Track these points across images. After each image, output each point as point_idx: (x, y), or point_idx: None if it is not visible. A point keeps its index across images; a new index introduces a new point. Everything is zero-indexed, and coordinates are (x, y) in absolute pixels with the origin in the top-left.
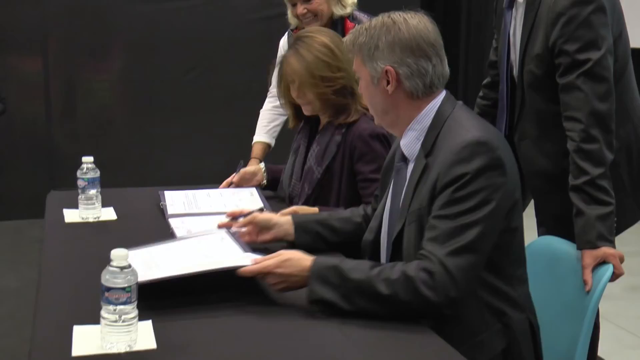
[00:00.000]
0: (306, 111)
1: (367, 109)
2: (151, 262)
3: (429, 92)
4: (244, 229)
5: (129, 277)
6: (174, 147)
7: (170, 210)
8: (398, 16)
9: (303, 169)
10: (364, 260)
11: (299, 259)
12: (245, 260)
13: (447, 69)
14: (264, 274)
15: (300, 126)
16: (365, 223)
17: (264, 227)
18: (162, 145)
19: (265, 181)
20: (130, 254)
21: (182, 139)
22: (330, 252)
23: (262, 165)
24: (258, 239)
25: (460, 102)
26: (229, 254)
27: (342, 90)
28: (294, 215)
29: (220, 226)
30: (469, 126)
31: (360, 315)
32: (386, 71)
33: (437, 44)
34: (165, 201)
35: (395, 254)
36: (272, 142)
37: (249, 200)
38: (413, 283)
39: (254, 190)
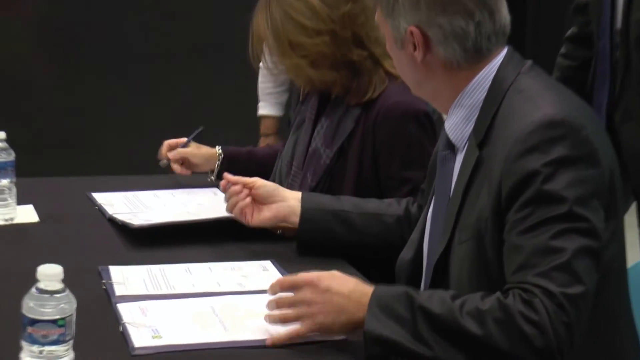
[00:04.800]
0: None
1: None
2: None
3: (475, 58)
4: (242, 195)
5: (62, 304)
6: (113, 119)
7: (110, 210)
8: None
9: (307, 152)
10: (438, 290)
11: (353, 280)
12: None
13: (504, 20)
14: (296, 287)
15: (306, 93)
16: (404, 225)
17: (267, 198)
18: (97, 117)
19: (213, 175)
20: None
21: (125, 107)
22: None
23: (219, 151)
24: (253, 220)
25: (529, 62)
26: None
27: (324, 61)
28: (306, 196)
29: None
30: (539, 99)
31: None
32: (410, 32)
33: None
34: (98, 202)
35: (438, 280)
36: (281, 113)
37: (212, 202)
38: (511, 318)
39: (216, 190)
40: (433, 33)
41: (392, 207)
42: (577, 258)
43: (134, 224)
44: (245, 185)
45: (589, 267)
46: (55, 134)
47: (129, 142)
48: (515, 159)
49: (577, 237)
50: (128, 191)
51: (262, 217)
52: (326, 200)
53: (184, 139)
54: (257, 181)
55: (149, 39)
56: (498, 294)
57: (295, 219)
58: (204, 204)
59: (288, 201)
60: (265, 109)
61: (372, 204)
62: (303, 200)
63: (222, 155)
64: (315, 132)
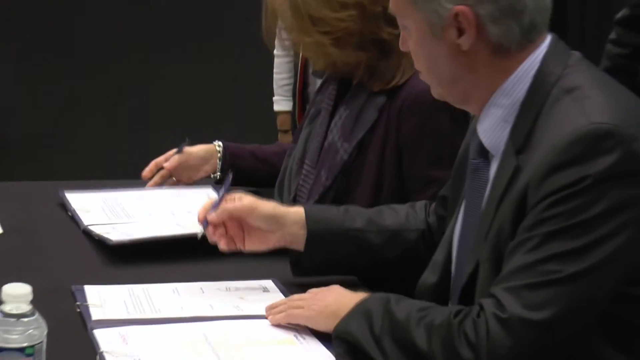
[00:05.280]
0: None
1: None
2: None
3: (525, 42)
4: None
5: (30, 330)
6: (87, 118)
7: (86, 219)
8: None
9: (322, 146)
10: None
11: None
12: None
13: None
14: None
15: (323, 80)
16: (427, 240)
17: (264, 227)
18: (69, 115)
19: (218, 172)
20: None
21: (101, 105)
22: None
23: (218, 144)
24: (246, 248)
25: (576, 54)
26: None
27: (350, 39)
28: (310, 214)
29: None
30: (588, 102)
31: None
32: (456, 14)
33: None
34: (72, 207)
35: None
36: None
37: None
38: (454, 339)
39: (210, 191)
40: (486, 10)
41: (410, 219)
42: (569, 282)
43: (112, 240)
44: (239, 216)
45: (582, 295)
46: (23, 132)
47: (106, 143)
48: (549, 171)
49: (579, 261)
50: (107, 191)
51: (258, 247)
52: (334, 217)
53: (172, 151)
54: (252, 211)
55: (119, 31)
56: (452, 308)
57: (300, 246)
58: (195, 212)
59: (289, 228)
60: (280, 103)
61: (389, 218)
62: (308, 221)
63: (222, 148)
64: (333, 123)
